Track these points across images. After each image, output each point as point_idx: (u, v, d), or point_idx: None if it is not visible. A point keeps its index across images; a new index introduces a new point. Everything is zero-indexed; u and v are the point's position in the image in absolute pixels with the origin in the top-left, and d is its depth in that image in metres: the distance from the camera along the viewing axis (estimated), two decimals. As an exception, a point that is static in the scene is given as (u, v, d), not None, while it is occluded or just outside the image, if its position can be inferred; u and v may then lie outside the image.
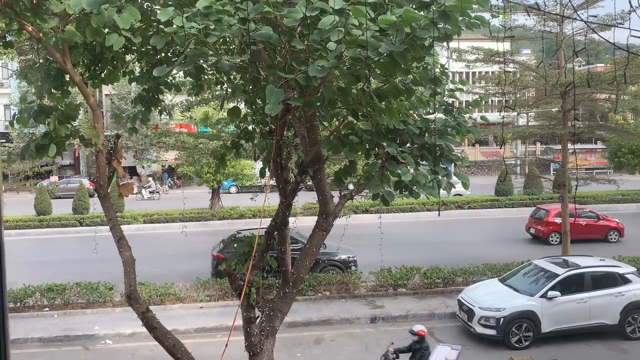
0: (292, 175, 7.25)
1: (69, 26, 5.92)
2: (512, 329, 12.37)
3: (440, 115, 6.79)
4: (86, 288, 14.98)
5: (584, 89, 16.45)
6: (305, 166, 6.91)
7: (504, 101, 16.93)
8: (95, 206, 26.76)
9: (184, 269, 18.31)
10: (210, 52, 5.12)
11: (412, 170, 6.21)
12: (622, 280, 13.02)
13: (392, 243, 20.57)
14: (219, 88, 10.08)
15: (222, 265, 7.38)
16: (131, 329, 13.15)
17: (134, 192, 29.39)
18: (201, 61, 5.18)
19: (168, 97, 18.93)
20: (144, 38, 6.10)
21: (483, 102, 16.93)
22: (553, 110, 20.78)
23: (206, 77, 7.48)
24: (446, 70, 7.08)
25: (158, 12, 5.83)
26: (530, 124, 27.84)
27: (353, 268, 16.60)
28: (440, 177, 6.46)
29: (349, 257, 16.99)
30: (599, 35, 6.31)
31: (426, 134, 6.66)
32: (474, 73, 39.26)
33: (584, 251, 18.04)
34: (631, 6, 4.86)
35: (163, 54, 7.04)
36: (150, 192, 37.89)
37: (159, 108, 8.14)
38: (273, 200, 8.68)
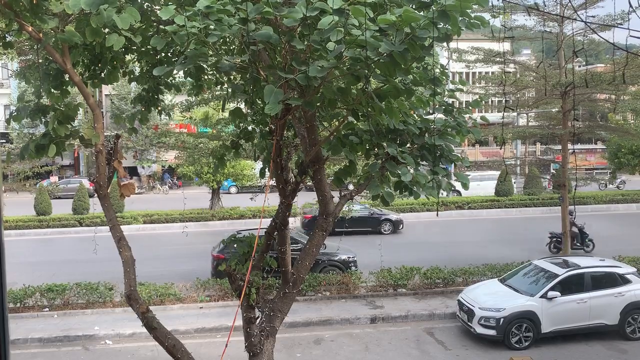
0: (292, 176, 7.25)
1: (68, 26, 5.92)
2: (512, 329, 12.36)
3: (440, 116, 6.79)
4: (86, 288, 14.97)
5: (583, 89, 16.44)
6: (305, 166, 6.91)
7: (504, 101, 16.91)
8: (95, 206, 26.81)
9: (184, 269, 18.30)
10: (211, 52, 5.12)
11: (412, 171, 6.21)
12: (622, 280, 13.01)
13: (392, 243, 20.56)
14: (219, 88, 10.06)
15: (222, 266, 7.39)
16: (131, 329, 13.14)
17: (136, 192, 29.54)
18: (201, 61, 5.17)
19: (168, 98, 18.94)
20: (144, 38, 6.09)
21: (483, 102, 16.93)
22: (553, 110, 20.78)
23: (206, 77, 7.48)
24: (446, 71, 7.07)
25: (158, 12, 5.83)
26: (530, 124, 27.83)
27: (353, 268, 16.59)
28: (440, 178, 6.46)
29: (349, 257, 16.98)
30: (599, 36, 6.31)
31: (426, 134, 6.65)
32: (474, 73, 39.22)
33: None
34: (631, 6, 4.85)
35: (163, 54, 7.04)
36: (169, 187, 41.24)
37: (159, 108, 8.13)
38: (273, 200, 8.68)
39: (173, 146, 27.72)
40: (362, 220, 24.43)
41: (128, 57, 7.54)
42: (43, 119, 6.77)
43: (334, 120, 7.25)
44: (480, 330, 12.62)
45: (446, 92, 6.92)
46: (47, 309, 14.72)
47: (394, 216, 25.62)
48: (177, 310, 14.60)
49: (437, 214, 27.69)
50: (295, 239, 15.76)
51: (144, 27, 6.12)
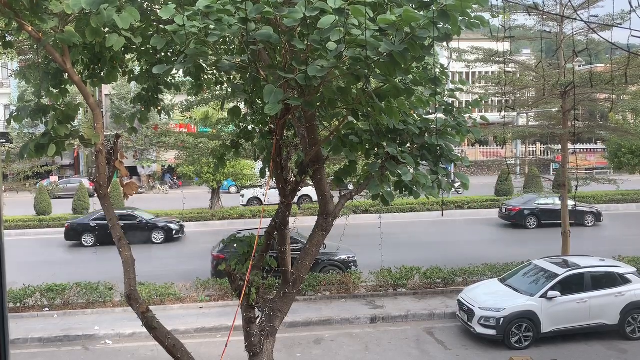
0: (292, 175, 7.25)
1: (68, 26, 5.91)
2: (512, 329, 12.36)
3: (440, 115, 6.79)
4: (86, 288, 14.98)
5: (584, 89, 16.43)
6: (305, 166, 6.91)
7: (504, 101, 16.91)
8: (95, 206, 26.84)
9: (184, 269, 18.30)
10: (210, 52, 5.11)
11: (412, 171, 6.21)
12: (622, 280, 13.01)
13: (392, 243, 20.56)
14: (219, 88, 10.06)
15: (222, 265, 7.38)
16: (131, 329, 13.14)
17: (138, 192, 29.69)
18: (201, 61, 5.17)
19: (168, 97, 18.97)
20: (144, 38, 6.09)
21: (483, 102, 16.93)
22: (553, 110, 20.77)
23: (206, 77, 7.48)
24: (446, 71, 7.07)
25: (158, 11, 5.83)
26: (530, 124, 27.83)
27: (353, 268, 16.59)
28: (440, 177, 6.46)
29: (349, 257, 16.98)
30: (599, 36, 6.31)
31: (426, 134, 6.65)
32: (474, 73, 39.22)
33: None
34: (631, 6, 4.85)
35: (163, 54, 7.04)
36: (169, 187, 41.72)
37: (158, 108, 8.13)
38: (273, 200, 8.67)
39: (173, 146, 27.75)
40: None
41: (128, 57, 7.54)
42: (43, 119, 6.77)
43: (334, 120, 7.24)
44: (480, 330, 12.62)
45: (446, 92, 6.92)
46: (47, 309, 14.72)
47: (596, 209, 26.66)
48: (177, 310, 14.60)
49: (442, 214, 27.78)
50: (295, 239, 15.76)
51: (144, 26, 6.11)
